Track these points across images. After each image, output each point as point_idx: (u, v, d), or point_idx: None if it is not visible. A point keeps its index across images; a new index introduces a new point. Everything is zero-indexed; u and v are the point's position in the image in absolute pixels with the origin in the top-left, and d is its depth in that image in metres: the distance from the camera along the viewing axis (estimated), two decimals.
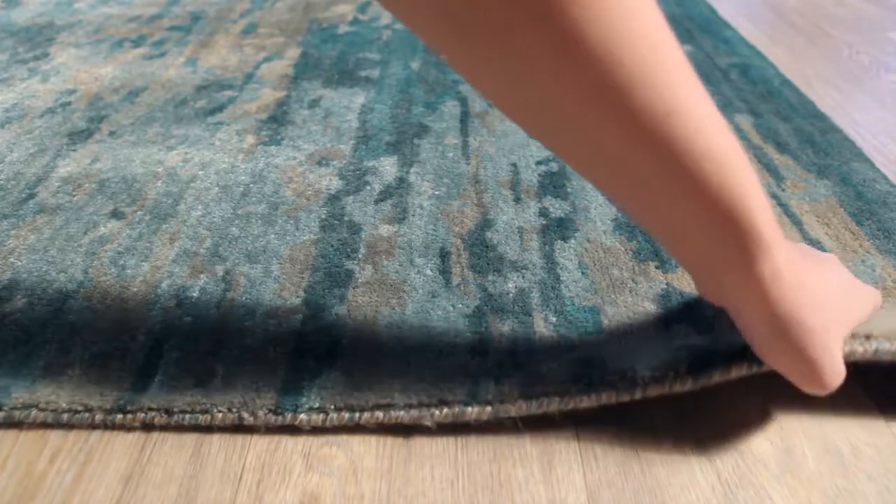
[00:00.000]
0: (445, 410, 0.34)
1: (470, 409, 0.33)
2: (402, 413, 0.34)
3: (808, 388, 0.30)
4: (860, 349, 0.31)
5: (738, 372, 0.33)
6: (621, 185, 0.28)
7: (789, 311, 0.28)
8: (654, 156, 0.25)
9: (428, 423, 0.34)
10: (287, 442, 0.33)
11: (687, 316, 0.39)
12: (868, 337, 0.32)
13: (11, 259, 0.44)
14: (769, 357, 0.30)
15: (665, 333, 0.38)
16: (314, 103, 0.65)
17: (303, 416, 0.34)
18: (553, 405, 0.33)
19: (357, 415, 0.34)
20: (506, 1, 0.22)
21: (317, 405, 0.34)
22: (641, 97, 0.24)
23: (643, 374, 0.33)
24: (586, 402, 0.33)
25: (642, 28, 0.24)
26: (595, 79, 0.23)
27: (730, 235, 0.27)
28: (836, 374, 0.29)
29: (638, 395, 0.33)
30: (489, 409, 0.33)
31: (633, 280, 0.42)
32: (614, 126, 0.25)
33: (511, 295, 0.41)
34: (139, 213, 0.49)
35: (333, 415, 0.34)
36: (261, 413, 0.34)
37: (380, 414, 0.34)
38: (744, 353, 0.32)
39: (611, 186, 0.28)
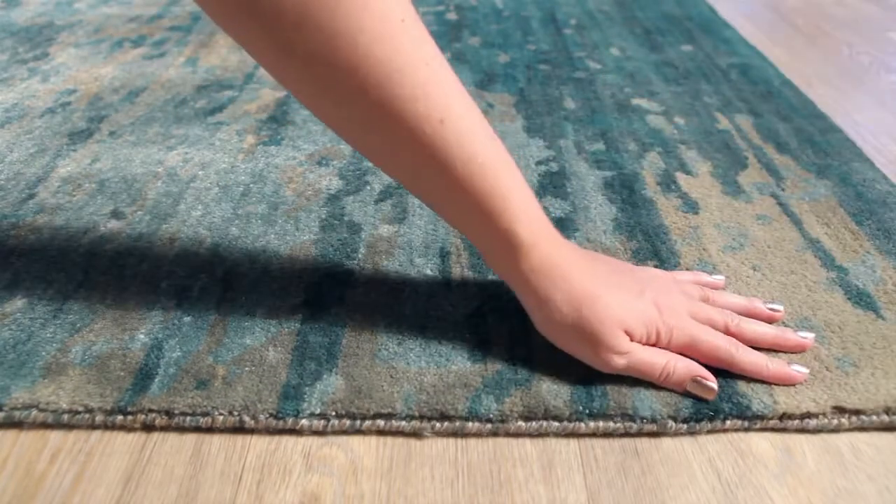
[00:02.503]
0: (446, 424, 0.34)
1: (470, 424, 0.33)
2: (402, 423, 0.34)
3: (590, 363, 0.35)
4: (846, 423, 0.34)
5: (733, 426, 0.34)
6: (405, 179, 0.34)
7: (545, 299, 0.34)
8: (429, 156, 0.31)
9: (428, 434, 0.34)
10: (287, 442, 0.33)
11: None
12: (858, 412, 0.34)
13: (11, 259, 0.44)
14: (542, 331, 0.36)
15: None
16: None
17: (304, 422, 0.34)
18: (552, 428, 0.33)
19: (358, 422, 0.34)
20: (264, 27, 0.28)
21: (318, 411, 0.34)
22: (421, 105, 0.30)
23: (643, 414, 0.33)
24: (584, 429, 0.33)
25: (411, 48, 0.29)
26: (374, 93, 0.29)
27: (493, 233, 0.33)
28: (606, 353, 0.34)
29: (634, 431, 0.33)
30: (489, 426, 0.34)
31: None
32: (388, 130, 0.30)
33: (510, 295, 0.41)
34: (139, 213, 0.49)
35: (334, 421, 0.34)
36: (261, 417, 0.34)
37: (381, 422, 0.34)
38: (742, 411, 0.33)
39: (397, 178, 0.35)
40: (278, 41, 0.28)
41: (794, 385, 0.35)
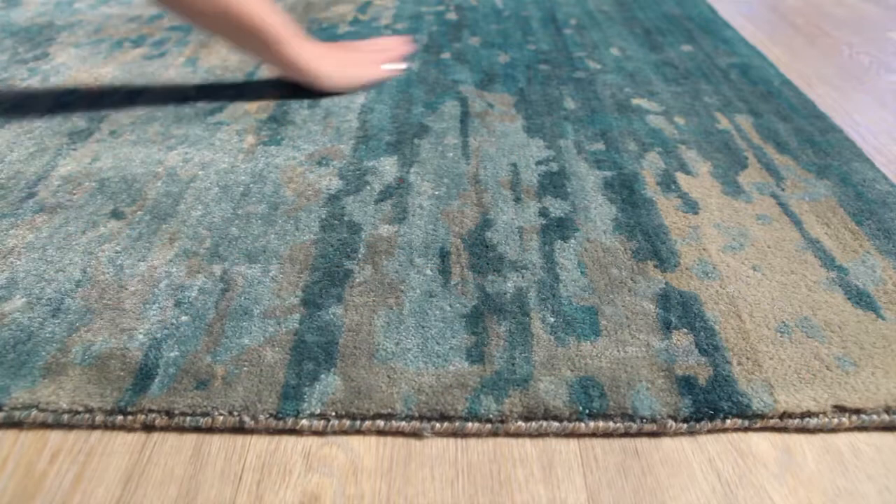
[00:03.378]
0: (446, 424, 0.34)
1: (470, 424, 0.34)
2: (402, 423, 0.34)
3: (314, 84, 0.65)
4: (846, 422, 0.34)
5: (733, 425, 0.34)
6: (227, 37, 0.61)
7: (306, 66, 0.63)
8: (236, 20, 0.57)
9: (428, 434, 0.34)
10: (287, 442, 0.33)
11: (686, 319, 0.39)
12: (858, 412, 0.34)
13: (11, 258, 0.44)
14: (323, 86, 0.66)
15: (665, 341, 0.38)
16: (314, 103, 0.65)
17: (304, 422, 0.34)
18: (552, 428, 0.33)
19: (358, 422, 0.34)
20: None
21: (318, 411, 0.34)
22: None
23: (643, 414, 0.33)
24: (584, 429, 0.33)
25: None
26: None
27: (260, 39, 0.59)
28: (354, 70, 0.68)
29: (634, 431, 0.33)
30: (489, 426, 0.34)
31: (631, 279, 0.42)
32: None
33: (509, 295, 0.41)
34: (139, 212, 0.49)
35: (334, 421, 0.34)
36: (261, 417, 0.34)
37: (381, 423, 0.34)
38: (742, 410, 0.34)
39: (223, 37, 0.61)
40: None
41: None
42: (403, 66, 0.71)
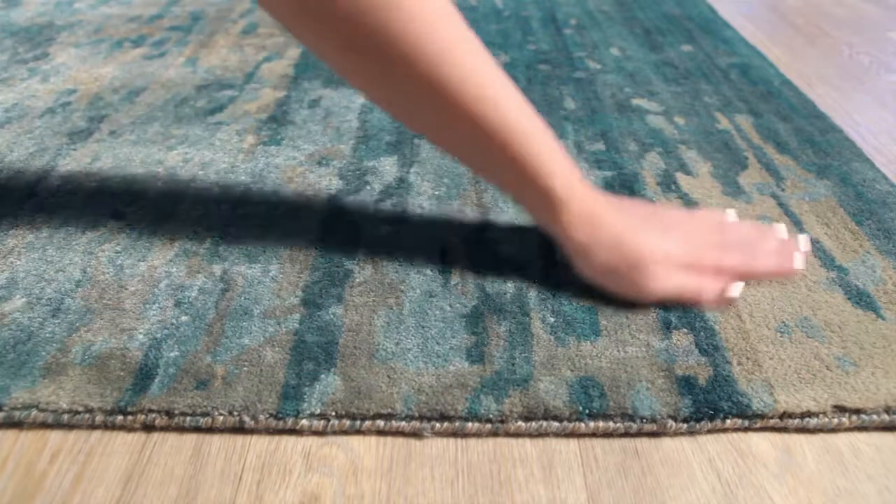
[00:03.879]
0: (446, 424, 0.34)
1: (470, 424, 0.34)
2: (402, 423, 0.34)
3: (635, 293, 0.39)
4: (846, 422, 0.34)
5: (733, 425, 0.34)
6: (460, 153, 0.39)
7: (588, 244, 0.39)
8: (477, 129, 0.36)
9: (428, 434, 0.34)
10: (287, 442, 0.33)
11: (686, 319, 0.39)
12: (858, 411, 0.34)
13: (11, 258, 0.44)
14: (586, 275, 0.40)
15: (665, 341, 0.38)
16: (314, 103, 0.65)
17: (304, 422, 0.34)
18: (552, 428, 0.33)
19: (358, 422, 0.34)
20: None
21: (318, 411, 0.34)
22: (470, 87, 0.34)
23: (643, 414, 0.33)
24: (584, 429, 0.33)
25: (453, 33, 0.34)
26: (427, 72, 0.33)
27: (534, 191, 0.38)
28: (649, 279, 0.39)
29: (634, 431, 0.33)
30: (489, 426, 0.34)
31: None
32: (441, 109, 0.35)
33: (509, 295, 0.41)
34: (139, 212, 0.49)
35: (334, 421, 0.34)
36: (261, 417, 0.34)
37: (381, 422, 0.34)
38: (742, 410, 0.34)
39: (449, 150, 0.40)
40: (338, 37, 0.33)
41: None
42: (736, 294, 0.40)
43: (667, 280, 0.39)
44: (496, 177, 0.40)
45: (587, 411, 0.34)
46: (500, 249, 0.45)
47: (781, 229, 0.44)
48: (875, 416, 0.34)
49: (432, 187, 0.51)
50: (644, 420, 0.33)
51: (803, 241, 0.44)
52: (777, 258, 0.42)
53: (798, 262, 0.42)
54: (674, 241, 0.40)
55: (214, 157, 0.56)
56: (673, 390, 0.35)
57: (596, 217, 0.39)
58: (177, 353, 0.37)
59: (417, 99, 0.35)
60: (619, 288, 0.39)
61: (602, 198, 0.41)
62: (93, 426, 0.34)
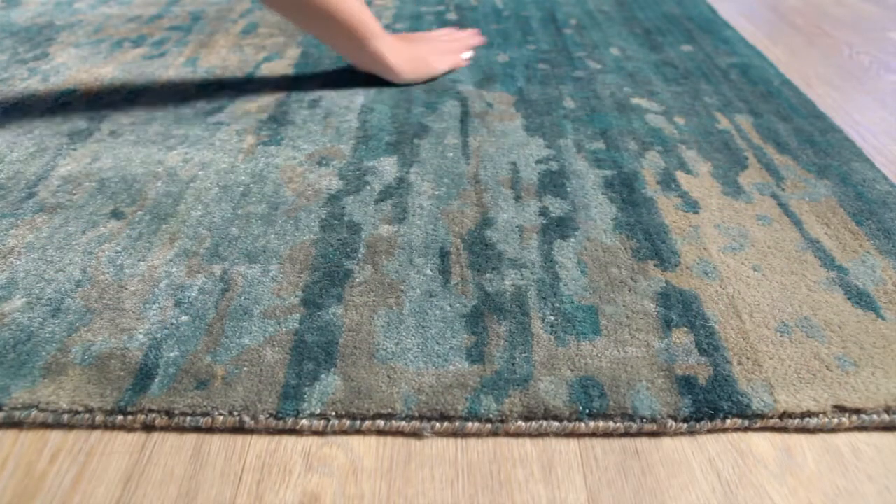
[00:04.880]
0: (446, 424, 0.34)
1: (470, 424, 0.34)
2: (402, 423, 0.34)
3: (431, 72, 0.70)
4: (846, 422, 0.34)
5: (733, 425, 0.34)
6: (304, 24, 0.64)
7: (397, 62, 0.67)
8: (319, 9, 0.60)
9: (428, 434, 0.34)
10: (287, 442, 0.33)
11: (686, 319, 0.39)
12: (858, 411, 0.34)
13: (11, 258, 0.44)
14: (396, 80, 0.69)
15: (665, 340, 0.38)
16: (314, 103, 0.65)
17: (304, 422, 0.34)
18: (552, 428, 0.33)
19: (358, 422, 0.34)
20: None
21: (318, 411, 0.34)
22: None
23: (643, 414, 0.33)
24: (584, 429, 0.33)
25: None
26: None
27: (356, 40, 0.64)
28: (434, 61, 0.71)
29: (634, 431, 0.33)
30: (489, 426, 0.34)
31: (632, 279, 0.42)
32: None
33: (509, 294, 0.41)
34: (139, 212, 0.49)
35: (334, 421, 0.34)
36: (261, 417, 0.34)
37: (381, 422, 0.34)
38: (742, 410, 0.34)
39: (301, 24, 0.64)
40: None
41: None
42: (470, 54, 0.75)
43: (441, 62, 0.71)
44: (331, 38, 0.64)
45: (587, 411, 0.34)
46: (500, 249, 0.45)
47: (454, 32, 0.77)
48: (875, 416, 0.34)
49: (432, 187, 0.51)
50: (644, 420, 0.33)
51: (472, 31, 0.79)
52: (470, 39, 0.77)
53: (477, 37, 0.78)
54: (433, 44, 0.72)
55: (214, 157, 0.56)
56: (673, 390, 0.35)
57: (396, 45, 0.67)
58: (177, 352, 0.37)
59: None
60: (422, 77, 0.69)
61: (392, 34, 0.69)
62: (93, 426, 0.34)
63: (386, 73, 0.67)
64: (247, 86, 0.68)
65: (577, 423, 0.33)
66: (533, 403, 0.34)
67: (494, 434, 0.34)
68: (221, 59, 0.75)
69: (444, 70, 0.71)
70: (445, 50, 0.72)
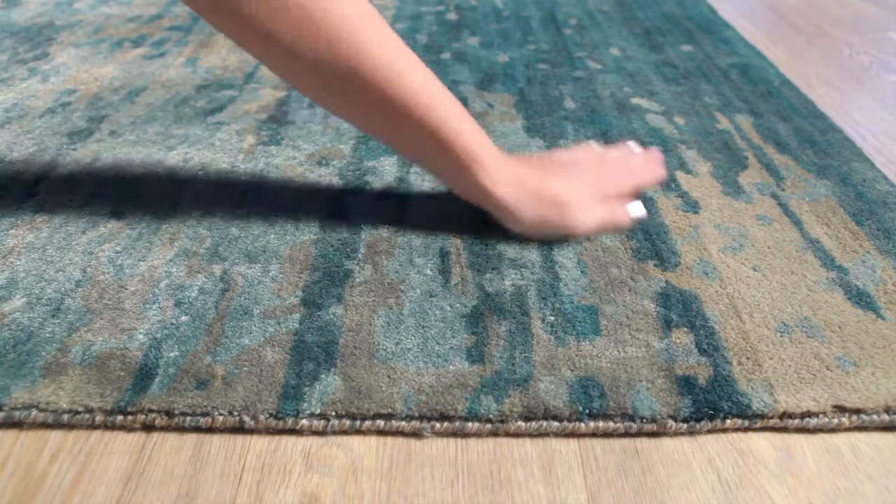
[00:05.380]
0: (446, 424, 0.34)
1: (470, 424, 0.34)
2: (402, 423, 0.34)
3: (569, 231, 0.44)
4: (846, 422, 0.34)
5: (733, 425, 0.34)
6: (376, 129, 0.42)
7: (513, 202, 0.43)
8: (394, 109, 0.39)
9: (428, 434, 0.34)
10: (287, 442, 0.33)
11: (686, 319, 0.39)
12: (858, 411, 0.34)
13: (11, 258, 0.44)
14: (518, 230, 0.45)
15: (665, 340, 0.38)
16: (314, 103, 0.65)
17: (304, 422, 0.34)
18: (552, 428, 0.33)
19: (358, 422, 0.34)
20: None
21: (318, 411, 0.34)
22: (383, 70, 0.37)
23: (643, 414, 0.33)
24: (584, 429, 0.33)
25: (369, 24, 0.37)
26: (348, 63, 0.37)
27: (454, 161, 0.42)
28: (577, 212, 0.44)
29: (634, 431, 0.33)
30: (489, 426, 0.34)
31: (632, 279, 0.42)
32: (364, 92, 0.38)
33: (509, 294, 0.41)
34: (139, 212, 0.49)
35: (334, 421, 0.34)
36: (261, 417, 0.34)
37: (381, 422, 0.34)
38: (742, 410, 0.34)
39: (371, 129, 0.43)
40: (255, 32, 0.35)
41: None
42: (642, 212, 0.47)
43: (589, 214, 0.44)
44: (418, 153, 0.43)
45: (587, 411, 0.34)
46: (500, 249, 0.45)
47: (633, 145, 0.51)
48: (875, 416, 0.34)
49: (432, 187, 0.51)
50: (644, 420, 0.33)
51: (653, 151, 0.51)
52: (649, 170, 0.49)
53: (662, 168, 0.50)
54: (579, 180, 0.45)
55: (214, 157, 0.56)
56: (673, 390, 0.35)
57: (513, 175, 0.43)
58: (177, 352, 0.37)
59: (324, 80, 0.38)
60: (551, 232, 0.44)
61: (512, 158, 0.45)
62: (93, 426, 0.34)
63: (500, 215, 0.44)
64: (247, 86, 0.68)
65: (577, 423, 0.33)
66: (533, 403, 0.34)
67: (494, 434, 0.34)
68: (221, 59, 0.75)
69: (590, 230, 0.45)
70: (602, 193, 0.45)
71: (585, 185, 0.45)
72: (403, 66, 0.38)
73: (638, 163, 0.49)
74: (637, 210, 0.46)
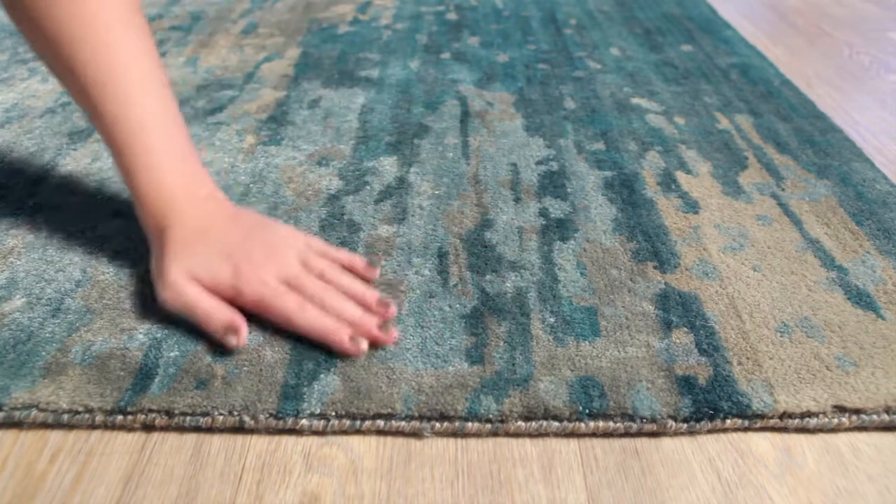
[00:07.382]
0: (446, 424, 0.34)
1: (470, 424, 0.34)
2: (402, 423, 0.34)
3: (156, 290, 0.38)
4: (846, 422, 0.34)
5: (733, 425, 0.34)
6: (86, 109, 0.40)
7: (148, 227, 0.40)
8: (94, 109, 0.39)
9: (428, 434, 0.34)
10: (287, 442, 0.33)
11: (686, 319, 0.39)
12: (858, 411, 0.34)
13: (11, 258, 0.44)
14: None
15: (665, 341, 0.38)
16: (314, 103, 0.65)
17: (304, 422, 0.34)
18: (552, 428, 0.33)
19: (358, 422, 0.34)
20: None
21: (318, 411, 0.34)
22: (91, 71, 0.38)
23: (643, 414, 0.33)
24: (584, 429, 0.33)
25: (102, 21, 0.38)
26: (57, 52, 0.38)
27: (117, 153, 0.41)
28: (163, 290, 0.38)
29: (634, 431, 0.33)
30: (489, 426, 0.34)
31: (631, 280, 0.42)
32: (75, 86, 0.39)
33: (509, 295, 0.41)
34: None
35: (334, 421, 0.34)
36: (261, 417, 0.34)
37: (381, 422, 0.34)
38: (742, 410, 0.34)
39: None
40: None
41: (386, 343, 0.37)
42: (364, 345, 0.36)
43: (175, 296, 0.37)
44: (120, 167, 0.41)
45: (587, 411, 0.34)
46: (500, 249, 0.45)
47: (376, 296, 0.39)
48: (875, 416, 0.34)
49: (432, 187, 0.51)
50: (644, 420, 0.33)
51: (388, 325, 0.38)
52: (339, 328, 0.36)
53: (362, 346, 0.36)
54: (217, 268, 0.38)
55: (214, 157, 0.56)
56: (673, 390, 0.35)
57: (202, 234, 0.39)
58: (177, 352, 0.37)
59: (49, 66, 0.40)
60: (183, 312, 0.37)
61: (210, 206, 0.41)
62: (93, 426, 0.34)
63: (155, 277, 0.39)
64: (247, 86, 0.68)
65: (577, 423, 0.33)
66: (533, 403, 0.34)
67: (494, 434, 0.34)
68: (221, 59, 0.75)
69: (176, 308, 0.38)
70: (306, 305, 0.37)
71: (215, 269, 0.38)
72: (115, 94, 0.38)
73: (345, 311, 0.37)
74: (235, 335, 0.36)
